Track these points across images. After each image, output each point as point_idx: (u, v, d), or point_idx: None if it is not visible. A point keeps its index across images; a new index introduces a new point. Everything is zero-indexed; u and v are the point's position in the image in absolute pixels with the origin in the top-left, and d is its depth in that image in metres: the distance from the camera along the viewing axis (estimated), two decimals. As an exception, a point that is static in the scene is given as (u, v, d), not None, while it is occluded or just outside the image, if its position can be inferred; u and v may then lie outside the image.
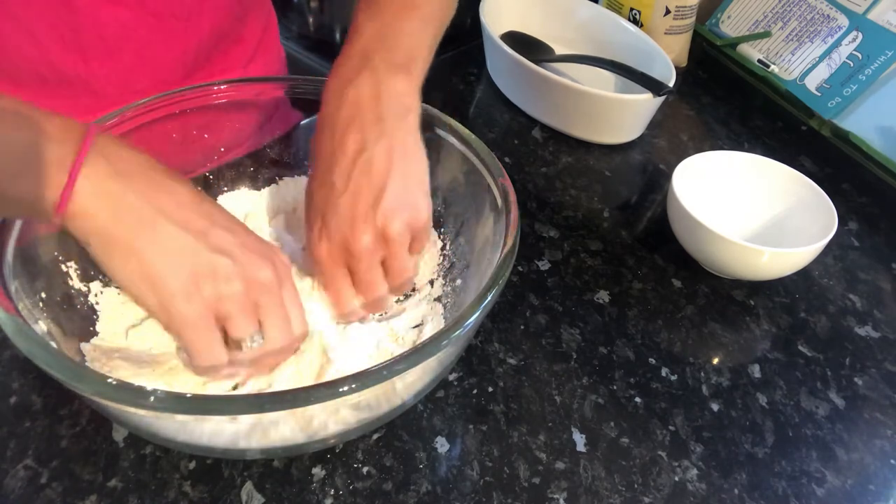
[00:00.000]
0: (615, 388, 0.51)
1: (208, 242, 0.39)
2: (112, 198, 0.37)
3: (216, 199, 0.56)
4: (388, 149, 0.44)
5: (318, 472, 0.44)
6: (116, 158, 0.38)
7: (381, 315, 0.52)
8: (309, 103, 0.55)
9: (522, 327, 0.55)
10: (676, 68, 0.78)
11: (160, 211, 0.38)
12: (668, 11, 0.85)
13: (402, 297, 0.54)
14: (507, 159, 0.73)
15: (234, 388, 0.44)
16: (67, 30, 0.51)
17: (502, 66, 0.81)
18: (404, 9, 0.48)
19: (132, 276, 0.38)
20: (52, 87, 0.54)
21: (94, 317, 0.47)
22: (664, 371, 0.53)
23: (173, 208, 0.38)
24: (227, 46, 0.63)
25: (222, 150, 0.58)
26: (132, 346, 0.46)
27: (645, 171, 0.75)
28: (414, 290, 0.54)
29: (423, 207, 0.45)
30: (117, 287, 0.49)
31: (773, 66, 0.83)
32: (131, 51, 0.55)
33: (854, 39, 0.78)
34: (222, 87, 0.54)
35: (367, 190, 0.43)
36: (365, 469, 0.44)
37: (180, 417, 0.36)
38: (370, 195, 0.43)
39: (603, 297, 0.59)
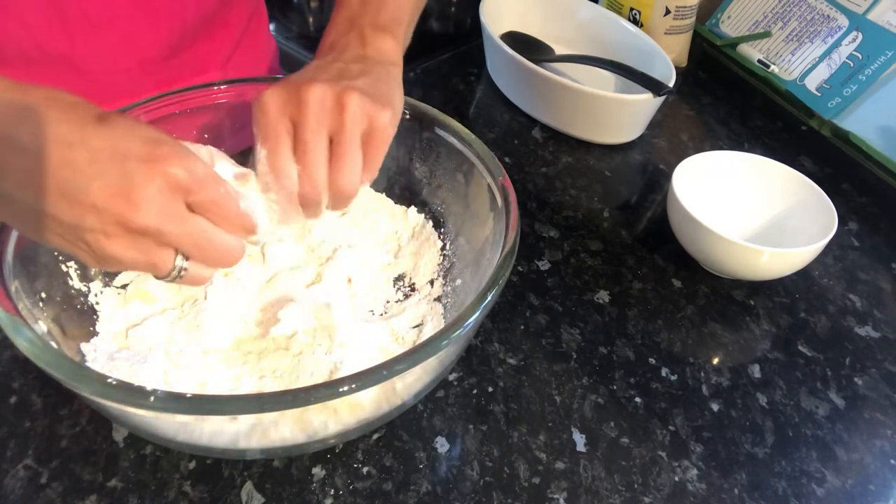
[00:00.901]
0: (615, 388, 0.51)
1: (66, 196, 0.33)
2: None
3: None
4: (366, 73, 0.43)
5: (318, 472, 0.44)
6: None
7: (383, 314, 0.52)
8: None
9: (522, 327, 0.55)
10: (676, 68, 0.78)
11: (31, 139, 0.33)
12: (668, 11, 0.85)
13: (402, 297, 0.54)
14: (507, 159, 0.73)
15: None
16: (53, 9, 0.51)
17: (502, 66, 0.81)
18: None
19: (12, 218, 0.36)
20: (38, 66, 0.54)
21: (94, 317, 0.47)
22: (664, 371, 0.53)
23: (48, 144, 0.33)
24: (213, 30, 0.63)
25: (222, 149, 0.58)
26: (132, 345, 0.46)
27: (645, 171, 0.75)
28: (414, 290, 0.54)
29: (387, 113, 0.41)
30: (118, 287, 0.50)
31: (773, 66, 0.83)
32: (116, 30, 0.55)
33: (854, 39, 0.78)
34: (222, 87, 0.54)
35: (335, 74, 0.42)
36: (365, 469, 0.44)
37: (180, 417, 0.36)
38: (336, 76, 0.42)
39: (603, 297, 0.59)
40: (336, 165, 0.41)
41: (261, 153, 0.41)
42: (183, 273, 0.36)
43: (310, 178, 0.40)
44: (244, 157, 0.58)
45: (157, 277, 0.37)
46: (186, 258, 0.36)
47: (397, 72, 0.46)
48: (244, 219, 0.38)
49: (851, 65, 0.77)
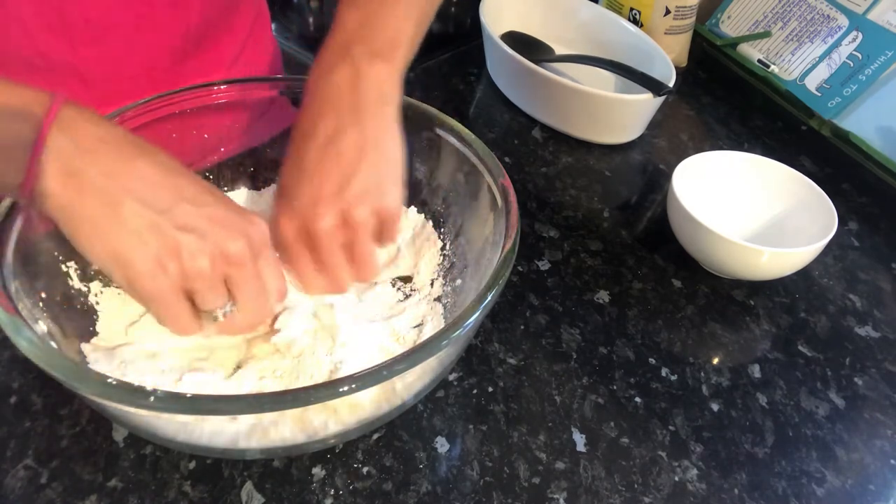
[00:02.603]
0: (615, 388, 0.51)
1: (173, 219, 0.38)
2: (76, 177, 0.36)
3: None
4: (361, 138, 0.43)
5: (318, 472, 0.44)
6: (82, 134, 0.37)
7: (384, 314, 0.52)
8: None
9: (522, 327, 0.55)
10: (676, 68, 0.78)
11: (125, 189, 0.37)
12: (668, 11, 0.85)
13: (402, 298, 0.54)
14: (507, 159, 0.73)
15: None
16: (54, 15, 0.51)
17: (502, 66, 0.81)
18: None
19: (99, 254, 0.37)
20: (41, 74, 0.54)
21: (94, 317, 0.47)
22: (664, 371, 0.53)
23: (138, 185, 0.37)
24: (217, 35, 0.63)
25: (222, 149, 0.58)
26: (133, 344, 0.46)
27: (645, 171, 0.75)
28: (413, 290, 0.54)
29: (392, 196, 0.45)
30: (116, 286, 0.49)
31: (773, 66, 0.83)
32: (119, 37, 0.55)
33: (854, 39, 0.78)
34: (222, 87, 0.54)
35: (336, 175, 0.43)
36: (365, 469, 0.44)
37: (180, 417, 0.36)
38: (337, 180, 0.43)
39: (603, 297, 0.59)
40: (356, 265, 0.46)
41: (288, 274, 0.46)
42: (216, 319, 0.41)
43: (335, 283, 0.46)
44: (244, 157, 0.59)
45: (194, 314, 0.41)
46: (232, 304, 0.41)
47: (392, 113, 0.46)
48: (285, 288, 0.45)
49: (851, 65, 0.77)
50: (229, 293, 0.41)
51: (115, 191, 0.37)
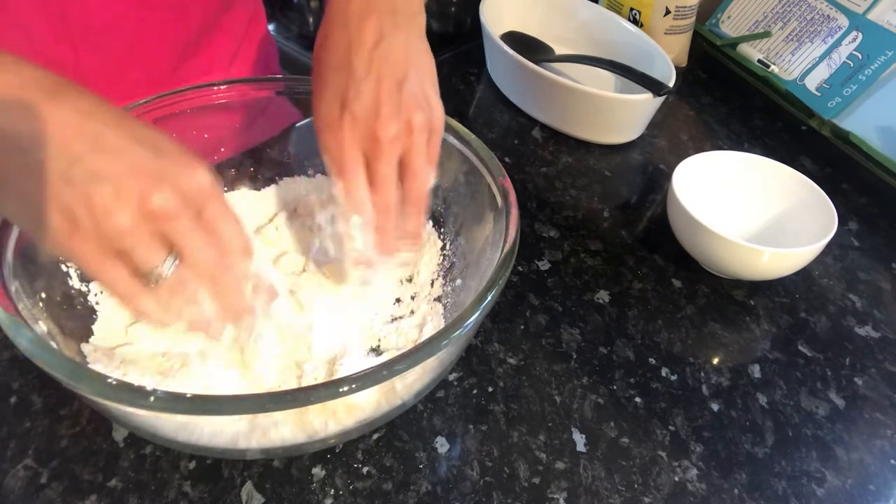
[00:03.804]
0: (615, 388, 0.51)
1: (85, 169, 0.33)
2: None
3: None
4: (404, 40, 0.43)
5: (318, 472, 0.44)
6: (4, 72, 0.34)
7: (393, 318, 0.52)
8: (308, 102, 0.55)
9: (522, 327, 0.55)
10: (676, 68, 0.78)
11: (32, 137, 0.33)
12: (668, 11, 0.85)
13: (402, 298, 0.54)
14: (507, 159, 0.73)
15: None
16: (57, 20, 0.51)
17: (502, 66, 0.81)
18: None
19: (14, 213, 0.34)
20: None
21: (94, 317, 0.47)
22: (664, 371, 0.53)
23: (49, 132, 0.33)
24: (214, 37, 0.63)
25: (222, 149, 0.58)
26: (133, 344, 0.46)
27: (645, 171, 0.75)
28: (410, 290, 0.54)
29: (439, 106, 0.44)
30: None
31: (773, 66, 0.83)
32: (121, 42, 0.55)
33: (854, 39, 0.78)
34: (222, 87, 0.54)
35: (389, 76, 0.42)
36: (365, 469, 0.44)
37: (180, 417, 0.36)
38: (392, 80, 0.42)
39: (603, 297, 0.59)
40: (409, 178, 0.44)
41: (337, 185, 0.43)
42: (160, 278, 0.36)
43: (383, 201, 0.43)
44: (244, 157, 0.59)
45: (134, 283, 0.36)
46: (176, 262, 0.36)
47: (423, 24, 0.45)
48: (245, 240, 0.39)
49: (851, 65, 0.77)
50: (177, 251, 0.36)
51: (21, 139, 0.33)
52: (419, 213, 0.45)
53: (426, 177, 0.44)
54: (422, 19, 0.45)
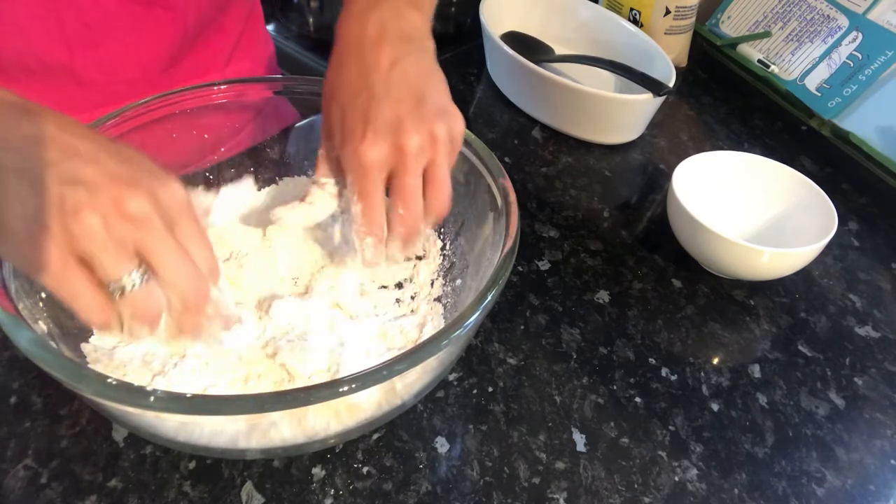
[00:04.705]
0: (615, 388, 0.51)
1: (59, 174, 0.32)
2: None
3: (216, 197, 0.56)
4: (418, 62, 0.44)
5: (318, 472, 0.44)
6: None
7: (384, 314, 0.52)
8: (307, 102, 0.55)
9: (522, 327, 0.55)
10: (676, 68, 0.78)
11: (4, 145, 0.32)
12: (668, 11, 0.85)
13: (402, 298, 0.54)
14: (507, 159, 0.73)
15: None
16: (52, 19, 0.51)
17: (502, 66, 0.81)
18: None
19: None
20: (39, 78, 0.54)
21: (94, 317, 0.47)
22: (664, 371, 0.53)
23: (22, 141, 0.33)
24: (210, 36, 0.63)
25: (222, 149, 0.58)
26: (133, 343, 0.46)
27: (645, 171, 0.75)
28: (410, 290, 0.54)
29: (458, 115, 0.44)
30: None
31: (773, 66, 0.83)
32: (116, 40, 0.55)
33: (854, 39, 0.78)
34: (221, 87, 0.54)
35: (408, 95, 0.42)
36: (365, 469, 0.44)
37: (180, 417, 0.36)
38: (411, 99, 0.42)
39: (603, 297, 0.59)
40: (433, 189, 0.43)
41: (355, 207, 0.43)
42: (122, 292, 0.34)
43: (410, 214, 0.43)
44: (244, 157, 0.59)
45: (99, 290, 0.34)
46: (144, 277, 0.34)
47: (433, 49, 0.46)
48: (214, 262, 0.38)
49: (851, 65, 0.77)
50: (147, 266, 0.34)
51: None
52: (437, 222, 0.46)
53: (449, 188, 0.44)
54: (431, 45, 0.46)
